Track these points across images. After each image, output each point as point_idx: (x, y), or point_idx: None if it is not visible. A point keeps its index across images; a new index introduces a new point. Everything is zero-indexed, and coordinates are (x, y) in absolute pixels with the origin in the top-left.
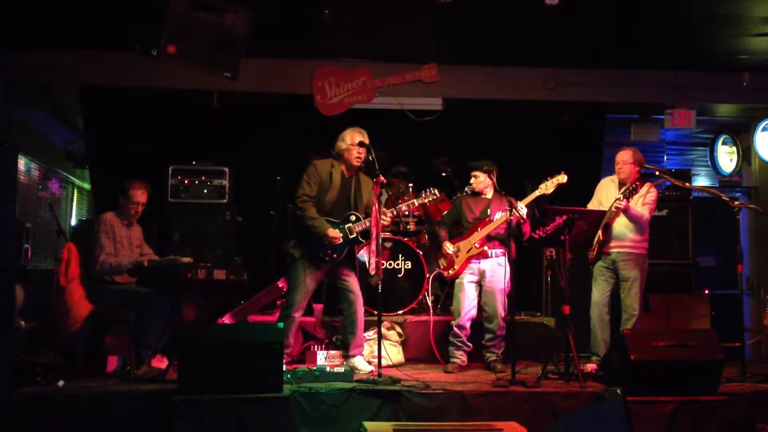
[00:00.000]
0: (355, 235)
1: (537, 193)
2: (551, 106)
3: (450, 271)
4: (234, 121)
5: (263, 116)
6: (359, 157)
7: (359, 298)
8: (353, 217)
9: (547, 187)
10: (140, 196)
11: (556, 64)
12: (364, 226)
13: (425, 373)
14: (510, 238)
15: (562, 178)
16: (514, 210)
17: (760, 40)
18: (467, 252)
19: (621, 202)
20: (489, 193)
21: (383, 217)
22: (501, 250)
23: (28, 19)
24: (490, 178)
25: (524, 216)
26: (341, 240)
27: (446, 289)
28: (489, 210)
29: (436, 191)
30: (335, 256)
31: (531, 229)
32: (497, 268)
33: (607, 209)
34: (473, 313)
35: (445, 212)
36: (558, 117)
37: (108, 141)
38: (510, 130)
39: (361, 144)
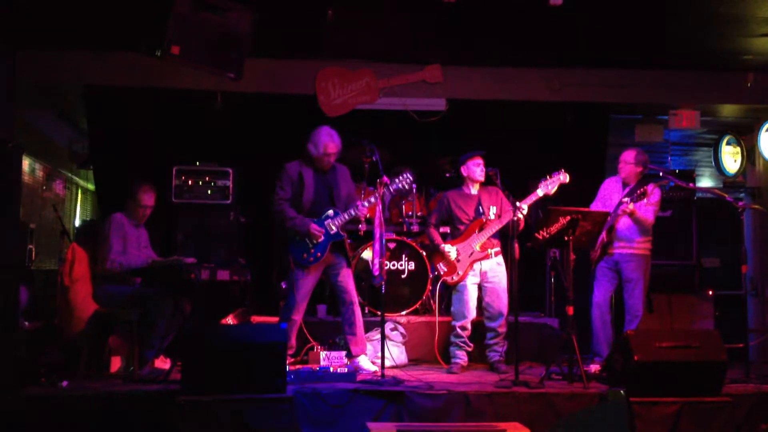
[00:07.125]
0: (335, 230)
1: (540, 193)
2: (555, 107)
3: (454, 277)
4: (238, 122)
5: (267, 117)
6: (329, 163)
7: (355, 297)
8: (331, 213)
9: (548, 187)
10: (148, 199)
11: (560, 65)
12: (342, 220)
13: (428, 373)
14: (513, 237)
15: (564, 178)
16: (517, 209)
17: (764, 40)
18: (470, 256)
19: (628, 205)
20: (474, 188)
21: (363, 203)
22: (498, 249)
23: (32, 19)
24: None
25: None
26: (323, 237)
27: (450, 290)
28: (481, 208)
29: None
30: (318, 254)
31: (534, 229)
32: (497, 268)
33: (610, 210)
34: (474, 313)
35: (434, 212)
36: (562, 118)
37: (112, 141)
38: (514, 130)
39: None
